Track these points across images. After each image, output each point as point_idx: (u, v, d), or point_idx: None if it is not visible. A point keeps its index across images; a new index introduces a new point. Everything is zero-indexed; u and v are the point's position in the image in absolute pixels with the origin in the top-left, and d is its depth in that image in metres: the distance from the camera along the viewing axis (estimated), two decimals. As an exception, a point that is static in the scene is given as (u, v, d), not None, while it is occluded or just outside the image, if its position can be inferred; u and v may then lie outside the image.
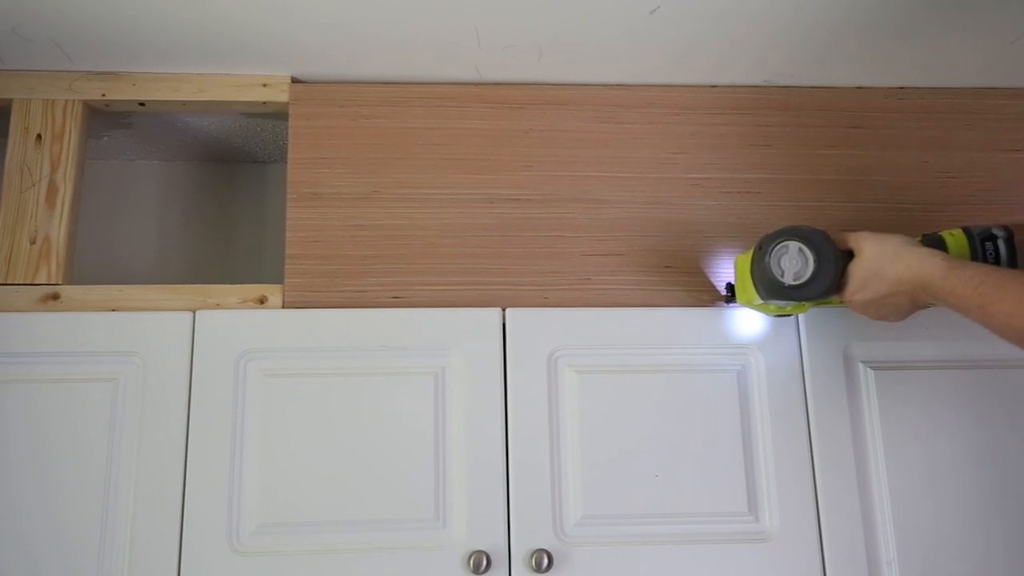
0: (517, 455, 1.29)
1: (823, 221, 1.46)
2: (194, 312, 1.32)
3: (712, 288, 1.41)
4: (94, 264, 1.63)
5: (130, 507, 1.24)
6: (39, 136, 1.40)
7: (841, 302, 1.21)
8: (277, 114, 1.51)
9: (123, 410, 1.27)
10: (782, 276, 1.17)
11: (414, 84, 1.48)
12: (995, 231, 1.17)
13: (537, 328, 1.35)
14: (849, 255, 1.17)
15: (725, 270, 1.42)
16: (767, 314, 1.33)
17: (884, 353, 1.37)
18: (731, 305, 1.37)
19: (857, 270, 1.15)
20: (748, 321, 1.37)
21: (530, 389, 1.32)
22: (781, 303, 1.23)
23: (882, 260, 1.13)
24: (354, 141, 1.45)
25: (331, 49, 1.39)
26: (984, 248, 1.16)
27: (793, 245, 1.17)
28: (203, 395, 1.28)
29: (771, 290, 1.19)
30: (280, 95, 1.45)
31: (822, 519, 1.29)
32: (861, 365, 1.36)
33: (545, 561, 1.23)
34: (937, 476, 1.32)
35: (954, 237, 1.18)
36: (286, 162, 1.45)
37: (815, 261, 1.16)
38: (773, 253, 1.18)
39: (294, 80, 1.47)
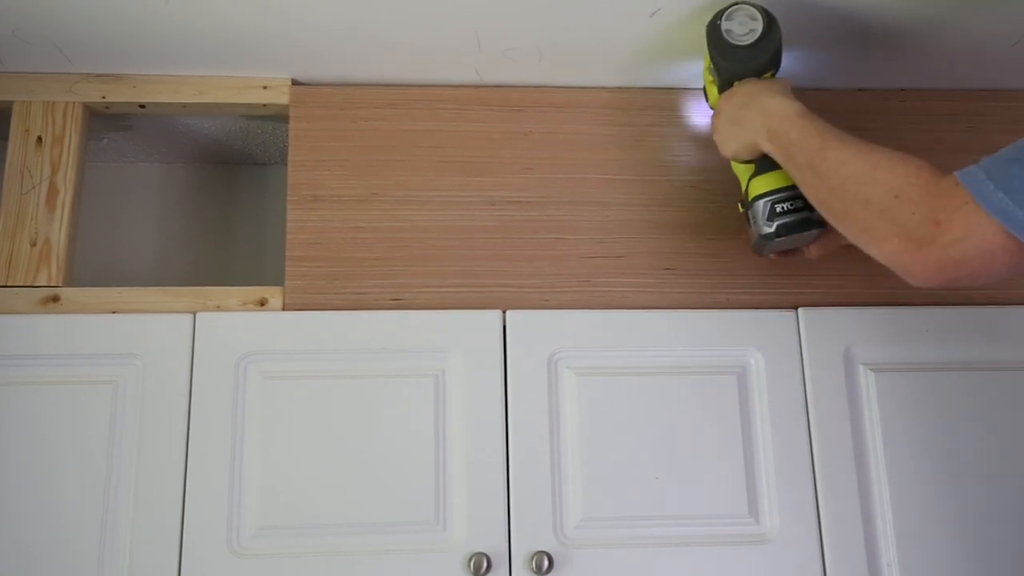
0: (517, 457, 1.29)
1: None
2: (194, 314, 1.32)
3: (714, 290, 1.41)
4: (94, 266, 1.62)
5: (130, 510, 1.24)
6: (39, 138, 1.41)
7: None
8: (277, 116, 1.51)
9: (123, 412, 1.27)
10: (735, 38, 1.23)
11: (414, 86, 1.48)
12: None
13: (537, 330, 1.35)
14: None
15: (725, 271, 1.42)
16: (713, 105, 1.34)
17: (885, 355, 1.37)
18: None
19: (754, 81, 1.23)
20: (748, 323, 1.37)
21: (530, 391, 1.32)
22: (731, 68, 1.26)
23: (772, 85, 1.21)
24: (354, 143, 1.45)
25: (331, 51, 1.39)
26: None
27: (744, 8, 1.22)
28: (203, 397, 1.28)
29: (724, 54, 1.24)
30: (280, 97, 1.45)
31: (822, 521, 1.29)
32: (862, 367, 1.36)
33: (545, 563, 1.22)
34: (938, 478, 1.32)
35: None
36: (286, 164, 1.45)
37: (765, 20, 1.22)
38: (728, 16, 1.23)
39: (294, 82, 1.47)
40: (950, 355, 1.37)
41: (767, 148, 1.17)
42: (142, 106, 1.45)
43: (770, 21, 1.23)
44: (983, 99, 1.54)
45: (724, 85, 1.28)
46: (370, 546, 1.25)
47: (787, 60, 1.28)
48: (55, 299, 1.34)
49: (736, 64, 1.24)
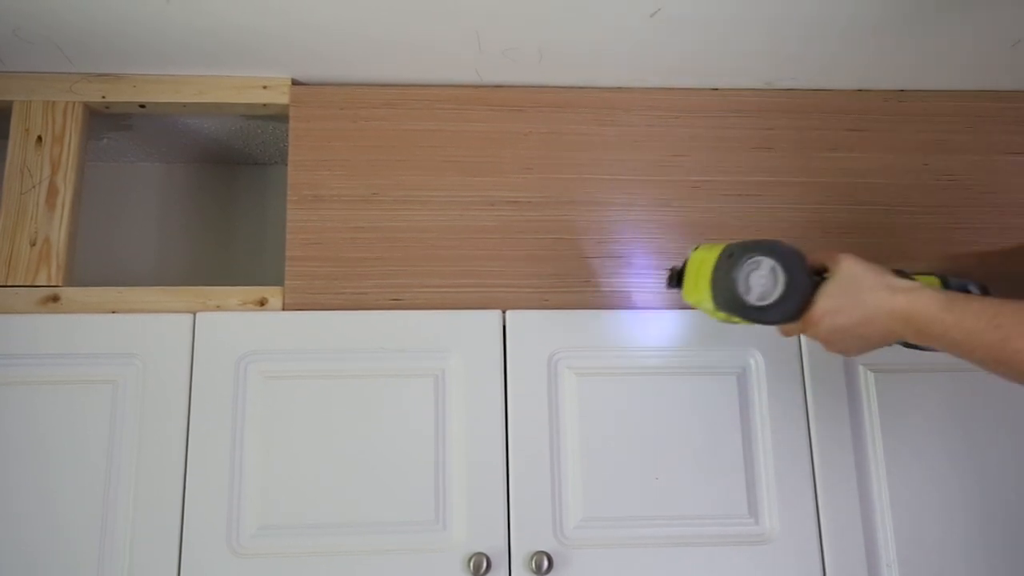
0: (517, 457, 1.29)
1: (823, 223, 1.46)
2: (194, 314, 1.32)
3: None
4: (94, 266, 1.62)
5: (130, 509, 1.24)
6: (39, 138, 1.40)
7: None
8: (277, 116, 1.52)
9: (123, 412, 1.27)
10: (747, 293, 1.02)
11: (414, 86, 1.48)
12: (971, 288, 1.04)
13: (537, 330, 1.35)
14: (822, 279, 1.03)
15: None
16: (706, 314, 1.13)
17: (885, 357, 1.36)
18: (670, 290, 1.21)
19: (831, 291, 1.01)
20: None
21: (530, 391, 1.32)
22: (736, 317, 1.07)
23: (861, 285, 1.00)
24: (354, 143, 1.45)
25: (331, 51, 1.39)
26: None
27: (767, 263, 1.02)
28: (203, 397, 1.28)
29: (730, 304, 1.04)
30: (280, 97, 1.46)
31: (822, 521, 1.29)
32: (861, 368, 1.36)
33: (545, 563, 1.22)
34: (937, 479, 1.32)
35: (928, 281, 1.04)
36: (286, 164, 1.45)
37: (785, 284, 1.02)
38: (743, 267, 1.03)
39: (294, 82, 1.47)
40: (950, 357, 1.37)
41: (916, 343, 1.01)
42: (142, 106, 1.46)
43: (791, 279, 1.02)
44: (983, 100, 1.54)
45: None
46: (370, 546, 1.25)
47: (789, 62, 1.27)
48: (55, 299, 1.34)
49: (754, 319, 1.05)
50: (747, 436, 1.33)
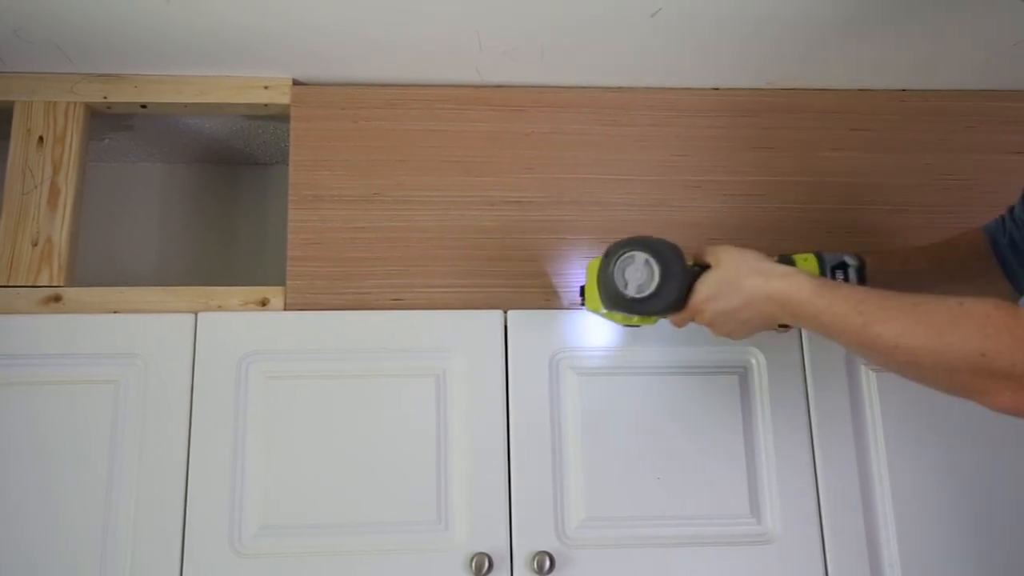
0: (519, 457, 1.29)
1: (826, 224, 1.46)
2: (196, 314, 1.32)
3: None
4: (95, 266, 1.62)
5: (132, 509, 1.24)
6: (41, 138, 1.41)
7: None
8: (278, 116, 1.52)
9: (125, 412, 1.27)
10: (625, 288, 1.09)
11: (415, 86, 1.48)
12: (847, 259, 1.13)
13: (539, 330, 1.35)
14: (703, 270, 1.09)
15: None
16: (616, 323, 1.22)
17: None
18: (582, 309, 1.29)
19: (709, 280, 1.08)
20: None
21: (532, 391, 1.32)
22: (625, 314, 1.14)
23: (739, 272, 1.06)
24: (355, 143, 1.45)
25: (332, 51, 1.39)
26: (834, 275, 1.12)
27: (640, 256, 1.09)
28: (205, 397, 1.28)
29: (614, 300, 1.11)
30: (281, 97, 1.46)
31: (824, 521, 1.29)
32: (863, 367, 1.36)
33: (547, 563, 1.22)
34: (939, 478, 1.32)
35: (807, 262, 1.12)
36: (287, 164, 1.45)
37: (660, 274, 1.08)
38: (618, 263, 1.10)
39: (295, 82, 1.47)
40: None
41: (792, 324, 1.08)
42: (143, 106, 1.46)
43: (666, 268, 1.09)
44: (984, 99, 1.54)
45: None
46: (372, 546, 1.25)
47: (790, 62, 1.27)
48: (57, 299, 1.34)
49: (636, 311, 1.12)
50: (748, 435, 1.33)
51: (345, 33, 1.33)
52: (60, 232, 1.37)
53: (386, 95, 1.47)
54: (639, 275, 1.09)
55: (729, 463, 1.32)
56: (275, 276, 1.46)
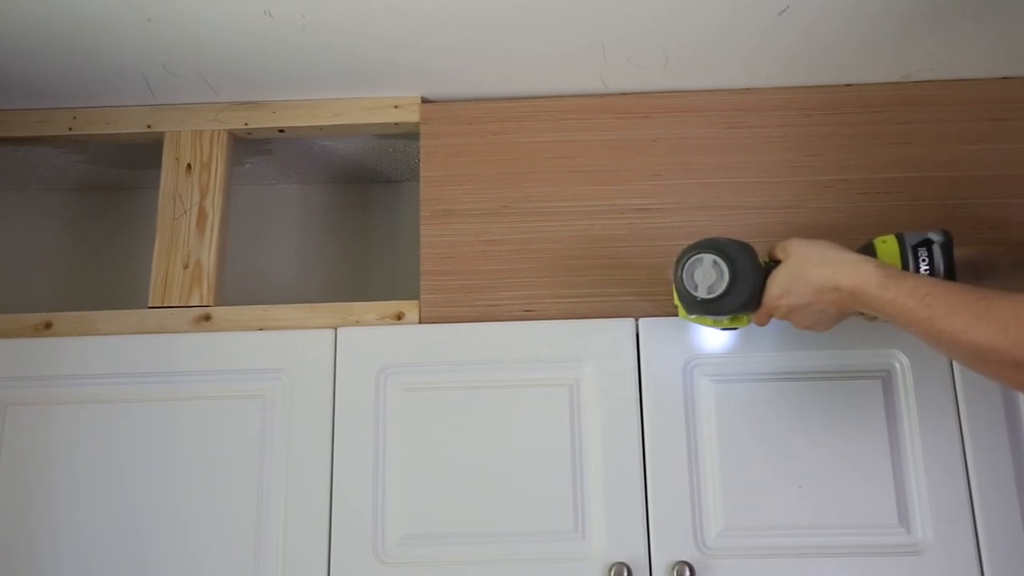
0: (654, 465, 1.28)
1: (968, 219, 1.40)
2: (335, 329, 1.37)
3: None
4: (240, 285, 1.69)
5: (281, 517, 1.28)
6: (189, 166, 1.48)
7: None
8: (408, 134, 1.55)
9: (272, 425, 1.32)
10: (695, 289, 1.12)
11: (540, 98, 1.50)
12: (932, 236, 1.10)
13: (671, 338, 1.34)
14: (775, 266, 1.11)
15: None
16: (707, 327, 1.25)
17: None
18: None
19: (779, 275, 1.09)
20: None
21: (666, 399, 1.31)
22: (710, 316, 1.17)
23: (807, 264, 1.06)
24: (483, 157, 1.47)
25: (459, 68, 1.42)
26: (917, 255, 1.09)
27: (707, 257, 1.12)
28: (346, 409, 1.32)
29: (689, 304, 1.14)
30: (411, 116, 1.49)
31: (979, 529, 1.23)
32: (1017, 369, 1.29)
33: (687, 573, 1.21)
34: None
35: (886, 244, 1.11)
36: (418, 181, 1.49)
37: (730, 273, 1.10)
38: (686, 267, 1.13)
39: (424, 100, 1.50)
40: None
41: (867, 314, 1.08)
42: (282, 130, 1.52)
43: (735, 268, 1.10)
44: (1002, 87, 1.46)
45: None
46: (510, 555, 1.26)
47: (926, 53, 1.23)
48: (207, 318, 1.41)
49: (712, 311, 1.15)
50: (895, 441, 1.28)
51: (472, 50, 1.36)
52: (208, 254, 1.44)
53: (512, 108, 1.49)
54: (708, 276, 1.11)
55: (874, 470, 1.27)
56: (409, 290, 1.50)
